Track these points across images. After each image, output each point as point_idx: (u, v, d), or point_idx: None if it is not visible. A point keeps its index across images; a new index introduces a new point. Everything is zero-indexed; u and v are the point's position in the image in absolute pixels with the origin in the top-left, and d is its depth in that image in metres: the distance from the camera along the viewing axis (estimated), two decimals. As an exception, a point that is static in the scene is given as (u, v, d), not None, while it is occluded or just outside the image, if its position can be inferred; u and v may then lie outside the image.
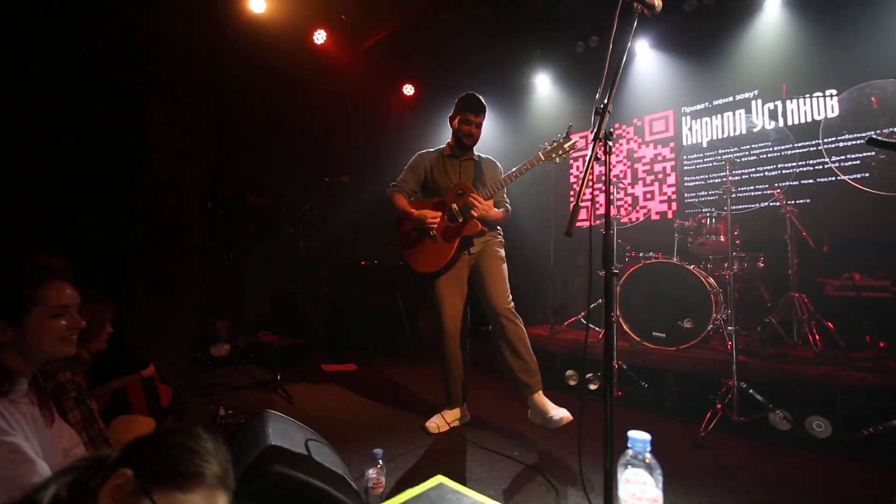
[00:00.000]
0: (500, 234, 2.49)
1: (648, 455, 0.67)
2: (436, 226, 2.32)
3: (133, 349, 2.30)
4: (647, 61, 4.47)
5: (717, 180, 3.95)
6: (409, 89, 5.84)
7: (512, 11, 4.65)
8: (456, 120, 2.43)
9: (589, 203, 1.71)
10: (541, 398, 2.13)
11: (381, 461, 1.47)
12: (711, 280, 2.94)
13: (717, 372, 2.56)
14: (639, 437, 0.66)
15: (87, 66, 3.43)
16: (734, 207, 2.72)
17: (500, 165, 2.57)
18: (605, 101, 1.20)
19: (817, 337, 2.72)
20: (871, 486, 1.83)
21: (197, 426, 0.67)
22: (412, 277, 4.68)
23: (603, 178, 1.28)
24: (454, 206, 2.34)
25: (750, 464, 2.03)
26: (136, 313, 3.55)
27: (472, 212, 2.27)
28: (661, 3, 1.45)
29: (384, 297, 4.48)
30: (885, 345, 2.79)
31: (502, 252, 2.45)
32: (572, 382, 3.14)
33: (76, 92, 3.38)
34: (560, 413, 2.03)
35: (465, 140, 2.42)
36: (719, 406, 2.32)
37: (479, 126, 2.43)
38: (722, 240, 3.02)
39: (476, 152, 2.52)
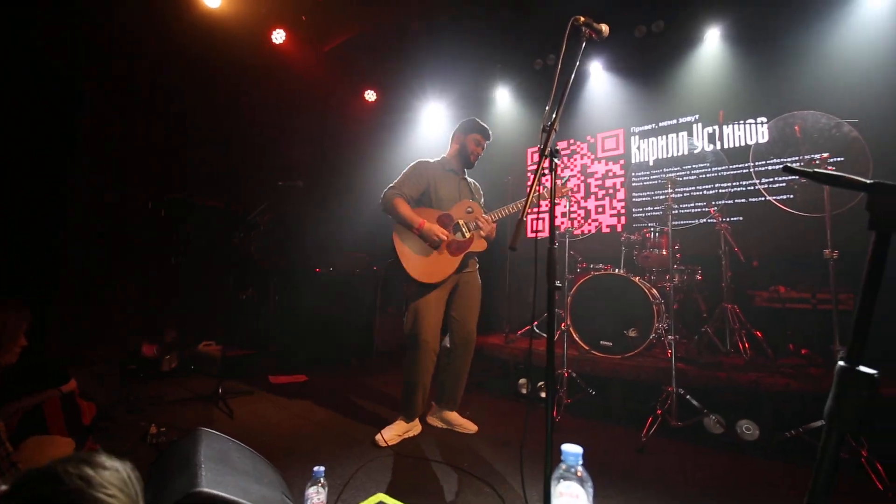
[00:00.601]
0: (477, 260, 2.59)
1: (580, 468, 0.68)
2: (445, 240, 2.35)
3: (51, 362, 2.10)
4: (600, 82, 4.68)
5: (661, 197, 4.18)
6: (370, 95, 5.79)
7: (476, 25, 4.73)
8: (467, 139, 2.53)
9: (534, 217, 1.74)
10: (455, 414, 2.56)
11: (322, 479, 1.41)
12: (654, 291, 3.10)
13: (659, 379, 2.68)
14: (571, 451, 0.67)
15: (18, 52, 3.14)
16: (675, 223, 2.89)
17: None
18: (552, 120, 1.24)
19: (747, 345, 2.92)
20: (792, 485, 1.97)
21: (100, 454, 0.60)
22: (370, 285, 4.61)
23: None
24: (461, 221, 2.41)
25: (686, 467, 2.13)
26: (62, 321, 3.26)
27: (481, 231, 2.40)
28: (608, 29, 1.53)
29: (339, 305, 4.38)
30: (807, 352, 3.04)
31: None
32: (524, 391, 3.19)
33: (4, 80, 3.09)
34: (468, 426, 2.52)
35: (472, 159, 2.55)
36: (659, 412, 2.44)
37: (483, 149, 2.59)
38: (664, 253, 3.19)
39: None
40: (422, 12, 4.67)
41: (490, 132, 2.57)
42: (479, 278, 2.57)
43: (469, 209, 2.44)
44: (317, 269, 4.44)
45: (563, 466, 0.68)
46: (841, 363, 0.68)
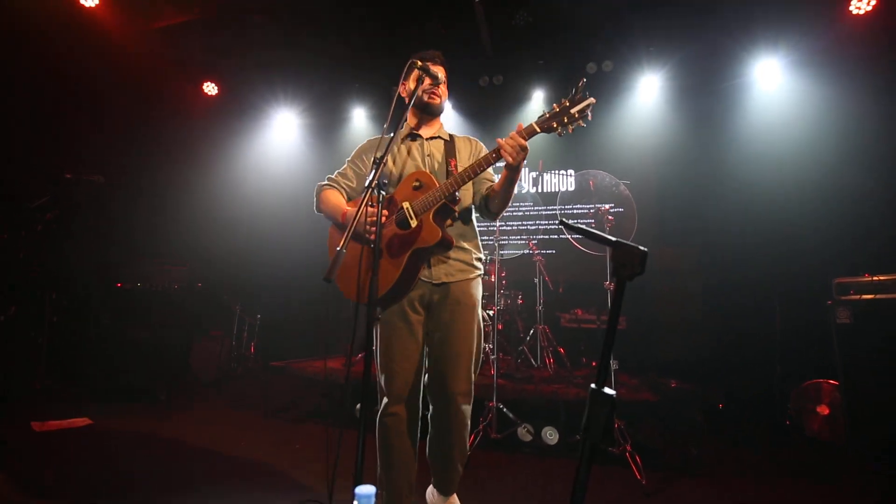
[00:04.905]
0: (476, 259, 1.73)
1: (373, 509, 0.70)
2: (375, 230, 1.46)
3: None
4: (447, 119, 5.09)
5: (493, 228, 4.71)
6: (211, 88, 5.15)
7: (335, 36, 4.61)
8: (409, 82, 1.69)
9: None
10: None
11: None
12: (485, 313, 3.43)
13: (482, 395, 2.94)
14: (363, 493, 0.69)
15: None
16: (502, 253, 3.26)
17: (482, 145, 1.85)
18: (383, 154, 1.29)
19: (552, 360, 3.44)
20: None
21: None
22: (190, 304, 3.99)
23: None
24: (406, 204, 1.55)
25: (501, 475, 2.37)
26: None
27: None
28: (444, 76, 1.68)
29: (148, 327, 3.67)
30: (595, 364, 3.73)
31: (478, 292, 1.70)
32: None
33: None
34: None
35: (427, 99, 1.67)
36: (481, 427, 2.66)
37: (444, 83, 1.73)
38: (492, 280, 3.57)
39: (448, 131, 1.86)
40: (274, 10, 4.36)
41: (437, 53, 1.71)
42: (471, 291, 1.66)
43: (416, 183, 1.57)
44: (118, 284, 3.66)
45: (356, 509, 0.69)
46: (592, 386, 0.84)
